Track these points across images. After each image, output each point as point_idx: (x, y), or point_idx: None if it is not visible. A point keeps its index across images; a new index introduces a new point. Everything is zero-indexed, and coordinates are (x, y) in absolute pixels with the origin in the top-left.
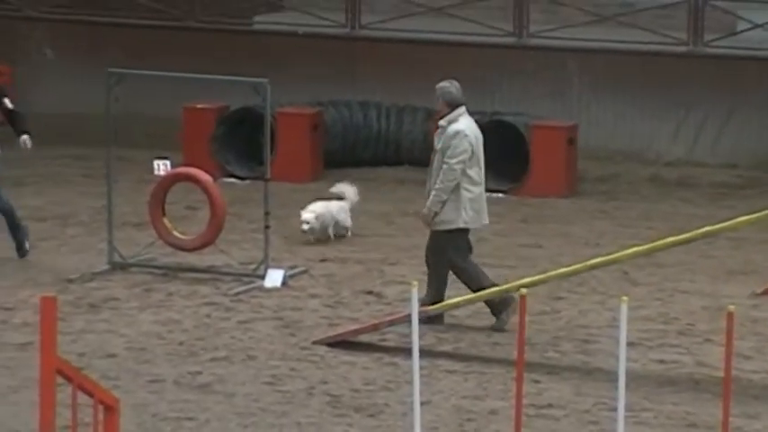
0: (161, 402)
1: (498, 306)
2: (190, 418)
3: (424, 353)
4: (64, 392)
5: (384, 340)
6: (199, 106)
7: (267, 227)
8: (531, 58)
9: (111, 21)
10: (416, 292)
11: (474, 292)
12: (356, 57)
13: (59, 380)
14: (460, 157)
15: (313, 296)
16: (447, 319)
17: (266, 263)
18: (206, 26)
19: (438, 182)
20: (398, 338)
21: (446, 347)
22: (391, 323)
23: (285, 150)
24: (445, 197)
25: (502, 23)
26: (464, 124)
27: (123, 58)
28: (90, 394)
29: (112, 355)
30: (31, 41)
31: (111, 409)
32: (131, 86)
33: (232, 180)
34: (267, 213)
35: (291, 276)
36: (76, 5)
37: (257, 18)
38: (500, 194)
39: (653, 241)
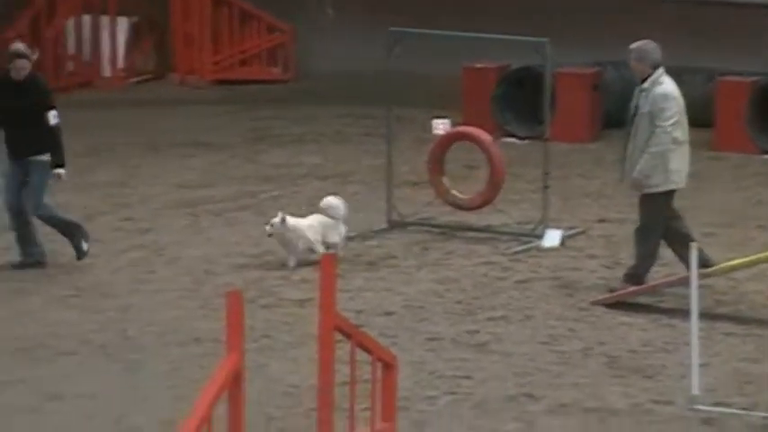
0: (438, 360)
1: None
2: (467, 377)
3: (703, 315)
4: (342, 349)
5: (661, 301)
6: (479, 66)
7: (546, 187)
8: None
9: None
10: (696, 254)
11: (638, 255)
12: (637, 17)
13: (338, 337)
14: (673, 119)
15: (591, 257)
16: (725, 282)
17: (544, 223)
18: None
19: (653, 145)
20: (676, 300)
21: (724, 309)
22: (669, 285)
23: (564, 110)
24: (658, 160)
25: None
26: (670, 85)
27: (403, 16)
28: (369, 351)
29: (390, 313)
30: (312, 0)
31: (389, 367)
32: (412, 45)
33: (511, 140)
34: (546, 174)
35: (569, 237)
36: None
37: None
38: None
39: None
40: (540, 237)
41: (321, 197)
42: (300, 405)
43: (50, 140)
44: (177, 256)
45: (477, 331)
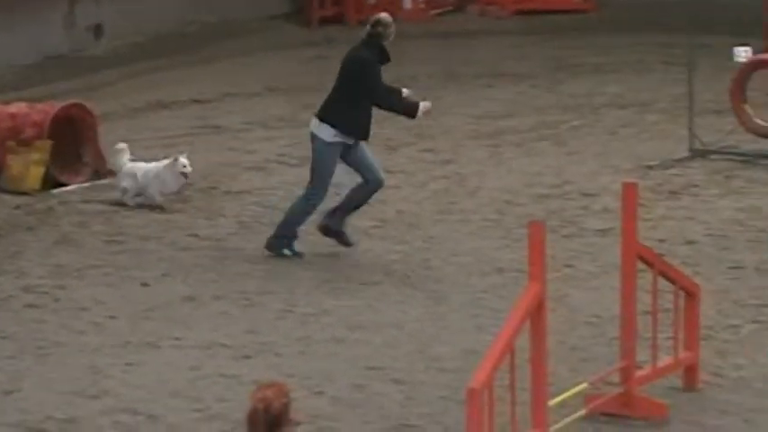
0: (741, 289)
1: None
2: None
3: None
4: (644, 279)
5: None
6: None
7: None
8: None
9: None
10: None
11: None
12: None
13: (639, 266)
14: None
15: None
16: None
17: None
18: None
19: None
20: None
21: None
22: None
23: None
24: None
25: None
26: None
27: None
28: (671, 281)
29: (692, 242)
30: None
31: (691, 296)
32: None
33: None
34: None
35: None
36: None
37: None
38: None
39: None
40: None
41: (622, 125)
42: (603, 335)
43: None
44: (479, 186)
45: None
